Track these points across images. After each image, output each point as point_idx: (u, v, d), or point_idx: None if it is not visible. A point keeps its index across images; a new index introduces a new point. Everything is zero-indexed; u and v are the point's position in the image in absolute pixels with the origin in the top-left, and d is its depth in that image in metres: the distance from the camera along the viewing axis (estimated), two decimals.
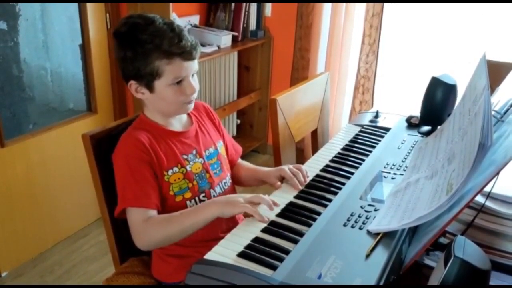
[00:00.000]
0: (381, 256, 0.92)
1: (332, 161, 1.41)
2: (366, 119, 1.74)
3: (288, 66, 3.06)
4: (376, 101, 2.80)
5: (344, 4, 2.71)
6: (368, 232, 1.00)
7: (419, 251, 0.91)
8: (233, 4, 2.94)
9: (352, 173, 1.31)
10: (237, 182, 1.43)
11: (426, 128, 1.57)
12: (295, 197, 1.20)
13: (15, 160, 2.12)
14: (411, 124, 1.64)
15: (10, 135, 2.10)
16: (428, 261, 1.02)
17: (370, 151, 1.45)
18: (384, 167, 1.33)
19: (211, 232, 1.23)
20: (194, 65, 1.20)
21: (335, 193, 1.19)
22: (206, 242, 1.13)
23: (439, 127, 1.40)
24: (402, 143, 1.50)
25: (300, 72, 3.00)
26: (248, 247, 0.98)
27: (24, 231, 2.23)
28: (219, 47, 2.78)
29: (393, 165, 1.34)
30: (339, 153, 1.46)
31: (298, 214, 1.10)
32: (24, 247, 2.25)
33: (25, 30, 2.09)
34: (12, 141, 2.10)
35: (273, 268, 0.90)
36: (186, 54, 1.16)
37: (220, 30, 2.89)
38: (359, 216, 1.06)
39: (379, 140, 1.54)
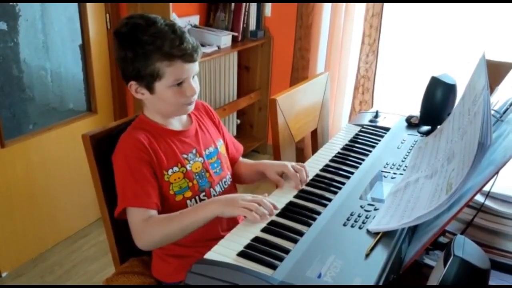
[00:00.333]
0: (380, 255, 0.92)
1: (332, 160, 1.41)
2: (366, 119, 1.74)
3: (288, 66, 3.06)
4: (376, 101, 2.80)
5: (344, 4, 2.71)
6: (368, 231, 1.00)
7: (418, 251, 0.92)
8: (233, 4, 2.94)
9: (352, 173, 1.31)
10: (238, 179, 1.43)
11: (425, 128, 1.58)
12: (295, 196, 1.20)
13: (15, 160, 2.12)
14: (411, 124, 1.64)
15: (10, 135, 2.10)
16: (428, 261, 1.02)
17: (370, 151, 1.46)
18: (384, 167, 1.33)
19: (211, 231, 1.24)
20: (195, 67, 1.20)
21: (335, 193, 1.19)
22: (206, 242, 1.13)
23: (438, 126, 1.40)
24: (402, 143, 1.50)
25: (300, 72, 3.00)
26: (248, 246, 0.98)
27: (24, 231, 2.23)
28: (219, 47, 2.78)
29: (393, 164, 1.34)
30: (339, 153, 1.46)
31: (298, 214, 1.11)
32: (24, 247, 2.25)
33: (25, 30, 2.09)
34: (12, 141, 2.10)
35: (273, 267, 0.90)
36: (187, 56, 1.16)
37: (220, 30, 2.90)
38: (359, 216, 1.06)
39: (379, 140, 1.54)
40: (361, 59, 2.75)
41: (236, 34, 2.94)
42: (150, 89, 1.19)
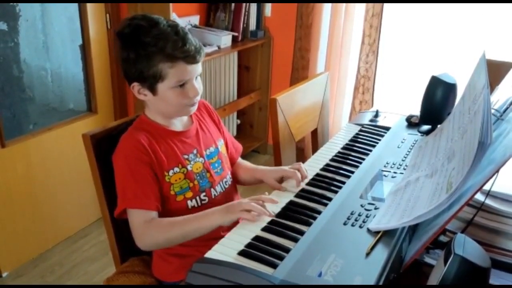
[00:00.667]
0: (381, 254, 0.92)
1: (332, 160, 1.41)
2: (366, 119, 1.74)
3: (288, 66, 3.06)
4: (376, 101, 2.80)
5: (344, 4, 2.71)
6: (368, 230, 1.00)
7: (419, 249, 0.92)
8: (233, 4, 2.94)
9: (352, 172, 1.31)
10: (236, 181, 1.43)
11: (426, 127, 1.58)
12: (296, 196, 1.20)
13: (15, 160, 2.12)
14: (411, 123, 1.64)
15: (11, 136, 2.10)
16: (428, 259, 1.02)
17: (370, 150, 1.46)
18: (384, 166, 1.33)
19: (211, 232, 1.23)
20: (198, 68, 1.20)
21: (336, 192, 1.19)
22: (207, 241, 1.13)
23: (439, 126, 1.40)
24: (402, 142, 1.50)
25: (300, 72, 3.00)
26: (248, 245, 0.98)
27: (24, 231, 2.23)
28: (219, 47, 2.78)
29: (393, 164, 1.34)
30: (339, 152, 1.46)
31: (298, 213, 1.11)
32: (25, 247, 2.25)
33: (25, 30, 2.09)
34: (12, 141, 2.10)
35: (274, 266, 0.90)
36: (190, 58, 1.15)
37: (220, 30, 2.90)
38: (359, 215, 1.06)
39: (379, 139, 1.54)
40: (361, 59, 2.75)
41: (236, 34, 2.94)
42: (153, 90, 1.18)
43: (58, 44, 2.26)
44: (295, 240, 0.99)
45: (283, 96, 1.70)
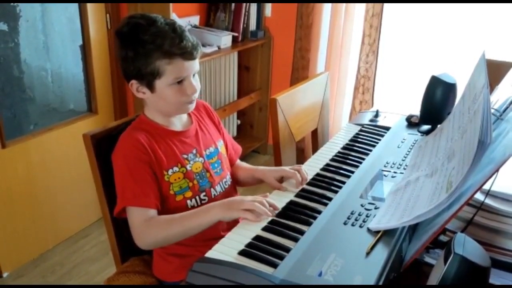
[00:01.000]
0: (381, 254, 0.92)
1: (332, 160, 1.41)
2: (366, 119, 1.74)
3: (288, 66, 3.06)
4: (376, 101, 2.81)
5: (344, 4, 2.71)
6: (369, 230, 1.00)
7: (419, 249, 0.92)
8: (233, 5, 2.94)
9: (352, 172, 1.31)
10: (235, 182, 1.43)
11: (426, 127, 1.58)
12: (296, 196, 1.20)
13: (16, 160, 2.12)
14: (411, 123, 1.64)
15: (11, 136, 2.10)
16: (428, 259, 1.02)
17: (370, 150, 1.46)
18: (384, 166, 1.33)
19: (212, 231, 1.23)
20: (195, 65, 1.21)
21: (336, 192, 1.20)
22: (207, 241, 1.14)
23: (439, 125, 1.40)
24: (402, 142, 1.50)
25: (300, 72, 3.00)
26: (249, 245, 0.98)
27: (25, 231, 2.23)
28: (219, 47, 2.78)
29: (393, 163, 1.34)
30: (339, 152, 1.46)
31: (298, 213, 1.11)
32: (25, 247, 2.25)
33: (26, 31, 2.09)
34: (13, 141, 2.10)
35: (274, 266, 0.90)
36: (187, 54, 1.17)
37: (220, 31, 2.90)
38: (359, 215, 1.07)
39: (379, 139, 1.54)
40: (361, 59, 2.75)
41: (236, 34, 2.94)
42: (151, 88, 1.19)
43: (59, 44, 2.26)
44: (296, 239, 0.99)
45: (283, 96, 1.70)
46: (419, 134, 1.56)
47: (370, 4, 2.61)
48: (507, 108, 1.12)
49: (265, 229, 1.04)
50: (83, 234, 2.50)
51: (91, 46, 2.38)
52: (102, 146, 1.26)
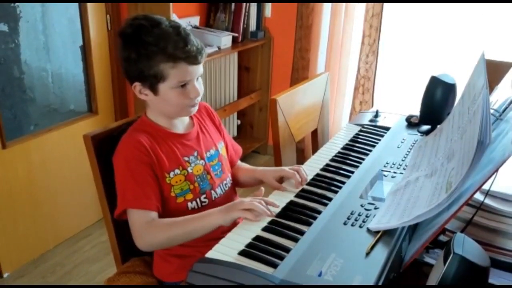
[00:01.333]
0: (381, 254, 0.93)
1: (332, 160, 1.41)
2: (366, 119, 1.75)
3: (288, 66, 3.07)
4: (376, 101, 2.81)
5: (343, 5, 2.71)
6: (368, 230, 1.00)
7: (418, 249, 0.92)
8: (233, 5, 2.95)
9: (352, 172, 1.31)
10: (236, 183, 1.44)
11: (425, 127, 1.58)
12: (296, 196, 1.20)
13: (16, 161, 2.13)
14: (411, 123, 1.65)
15: (12, 136, 2.10)
16: (428, 259, 1.03)
17: (370, 150, 1.46)
18: (384, 166, 1.33)
19: (212, 232, 1.24)
20: (199, 69, 1.20)
21: (336, 192, 1.20)
22: (207, 242, 1.14)
23: (438, 126, 1.40)
24: (402, 142, 1.50)
25: (300, 72, 3.01)
26: (249, 245, 0.98)
27: (25, 232, 2.23)
28: (219, 48, 2.79)
29: (393, 164, 1.34)
30: (339, 153, 1.47)
31: (298, 213, 1.11)
32: (26, 248, 2.26)
33: (26, 31, 2.10)
34: (13, 142, 2.11)
35: (274, 266, 0.90)
36: (191, 59, 1.16)
37: (220, 31, 2.90)
38: (359, 215, 1.07)
39: (379, 140, 1.55)
40: (361, 59, 2.75)
41: (236, 34, 2.94)
42: (154, 90, 1.19)
43: (59, 45, 2.27)
44: (295, 240, 0.99)
45: (283, 96, 1.70)
46: (419, 134, 1.56)
47: (370, 4, 2.61)
48: (506, 108, 1.13)
49: (265, 229, 1.05)
50: (83, 235, 2.50)
51: (92, 46, 2.38)
52: (102, 147, 1.27)
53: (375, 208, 1.09)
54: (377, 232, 0.99)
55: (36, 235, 2.29)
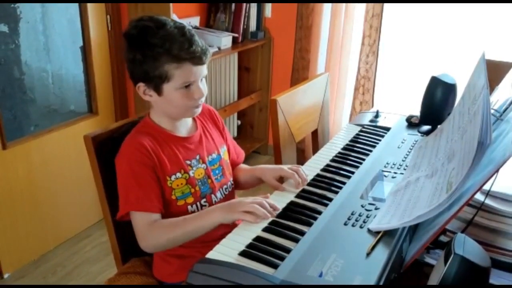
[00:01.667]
0: (381, 254, 0.92)
1: (332, 160, 1.41)
2: (366, 119, 1.74)
3: (288, 67, 3.07)
4: (376, 101, 2.81)
5: (343, 5, 2.71)
6: (369, 230, 1.00)
7: (419, 249, 0.92)
8: (233, 6, 2.95)
9: (352, 173, 1.31)
10: (236, 185, 1.43)
11: (426, 128, 1.58)
12: (296, 196, 1.20)
13: (16, 162, 2.13)
14: (411, 123, 1.65)
15: (12, 137, 2.10)
16: (428, 259, 1.03)
17: (371, 151, 1.46)
18: (385, 166, 1.33)
19: (212, 233, 1.23)
20: (203, 69, 1.20)
21: (336, 192, 1.20)
22: (207, 242, 1.14)
23: (439, 126, 1.40)
24: (402, 143, 1.50)
25: (300, 72, 3.01)
26: (249, 246, 0.98)
27: (26, 232, 2.23)
28: (219, 48, 2.79)
29: (394, 164, 1.34)
30: (339, 153, 1.47)
31: (299, 213, 1.11)
32: (26, 248, 2.26)
33: (26, 32, 2.10)
34: (13, 143, 2.11)
35: (275, 266, 0.90)
36: (196, 59, 1.16)
37: (220, 32, 2.90)
38: (359, 215, 1.07)
39: (380, 140, 1.55)
40: (361, 60, 2.75)
41: (236, 35, 2.94)
42: (158, 91, 1.19)
43: (59, 45, 2.27)
44: (296, 240, 0.99)
45: (283, 97, 1.70)
46: (419, 134, 1.56)
47: (370, 5, 2.61)
48: (506, 108, 1.12)
49: (265, 229, 1.04)
50: (84, 235, 2.50)
51: (92, 47, 2.38)
52: (103, 148, 1.26)
53: (376, 209, 1.09)
54: (378, 232, 0.99)
55: (37, 235, 2.29)
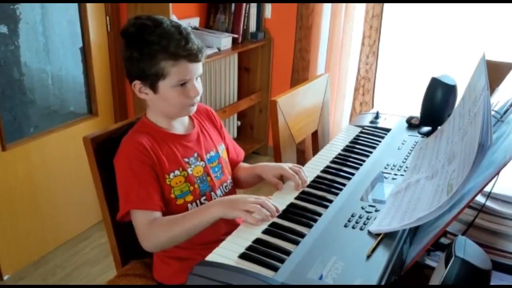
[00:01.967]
0: (382, 256, 0.92)
1: (332, 162, 1.41)
2: (366, 120, 1.74)
3: (288, 67, 3.06)
4: (376, 102, 2.80)
5: (343, 6, 2.71)
6: (369, 232, 1.00)
7: (420, 252, 0.92)
8: (233, 6, 2.94)
9: (352, 174, 1.31)
10: (236, 184, 1.43)
11: (426, 129, 1.58)
12: (296, 198, 1.20)
13: (16, 163, 2.12)
14: (411, 124, 1.64)
15: (12, 138, 2.10)
16: (429, 262, 1.02)
17: (371, 152, 1.46)
18: (385, 168, 1.33)
19: (211, 234, 1.24)
20: (199, 67, 1.21)
21: (336, 194, 1.19)
22: (207, 245, 1.14)
23: (439, 127, 1.40)
24: (402, 144, 1.50)
25: (300, 73, 3.00)
26: (249, 248, 0.98)
27: (25, 234, 2.23)
28: (219, 49, 2.79)
29: (394, 165, 1.34)
30: (339, 154, 1.46)
31: (299, 215, 1.11)
32: (26, 250, 2.25)
33: (26, 33, 2.09)
34: (13, 144, 2.10)
35: (275, 269, 0.90)
36: (192, 56, 1.17)
37: (220, 32, 2.90)
38: (360, 217, 1.06)
39: (380, 141, 1.54)
40: (361, 60, 2.75)
41: (236, 36, 2.94)
42: (154, 89, 1.19)
43: (59, 46, 2.26)
44: (296, 242, 0.99)
45: (283, 98, 1.70)
46: (420, 135, 1.56)
47: (370, 5, 2.61)
48: (507, 110, 1.12)
49: (265, 231, 1.04)
50: (83, 237, 2.50)
51: (91, 48, 2.38)
52: (102, 149, 1.26)
53: (376, 211, 1.09)
54: (378, 234, 0.98)
55: (36, 237, 2.29)
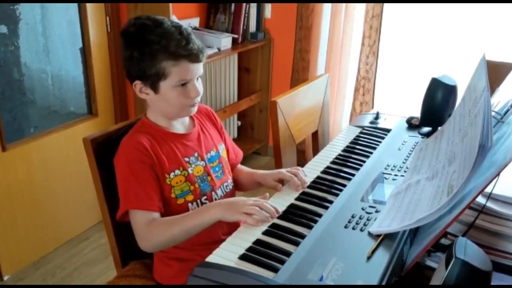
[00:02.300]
0: (382, 257, 0.92)
1: (333, 162, 1.41)
2: (366, 121, 1.74)
3: (288, 67, 3.06)
4: (376, 102, 2.80)
5: (343, 6, 2.71)
6: (369, 233, 1.00)
7: (420, 253, 0.92)
8: (233, 6, 2.94)
9: (353, 175, 1.31)
10: (236, 186, 1.43)
11: (426, 129, 1.58)
12: (296, 199, 1.20)
13: (16, 163, 2.12)
14: (412, 125, 1.64)
15: (11, 139, 2.10)
16: (429, 263, 1.02)
17: (371, 153, 1.45)
18: (385, 169, 1.33)
19: (212, 235, 1.24)
20: (199, 68, 1.21)
21: (336, 195, 1.19)
22: (207, 245, 1.14)
23: (439, 128, 1.40)
24: (402, 144, 1.50)
25: (300, 73, 3.00)
26: (249, 249, 0.98)
27: (25, 234, 2.23)
28: (219, 49, 2.79)
29: (394, 166, 1.34)
30: (339, 155, 1.46)
31: (299, 216, 1.10)
32: (26, 250, 2.25)
33: (26, 34, 2.09)
34: (13, 144, 2.10)
35: (275, 270, 0.90)
36: (193, 57, 1.17)
37: (220, 33, 2.90)
38: (360, 218, 1.06)
39: (380, 142, 1.54)
40: (361, 61, 2.75)
41: (236, 36, 2.94)
42: (155, 89, 1.19)
43: (59, 47, 2.26)
44: (296, 243, 0.99)
45: (283, 98, 1.70)
46: (420, 136, 1.56)
47: (370, 5, 2.61)
48: (508, 110, 1.12)
49: (265, 233, 1.04)
50: (83, 237, 2.49)
51: (91, 48, 2.38)
52: (102, 150, 1.26)
53: (376, 211, 1.09)
54: (378, 235, 0.98)
55: (36, 237, 2.29)
